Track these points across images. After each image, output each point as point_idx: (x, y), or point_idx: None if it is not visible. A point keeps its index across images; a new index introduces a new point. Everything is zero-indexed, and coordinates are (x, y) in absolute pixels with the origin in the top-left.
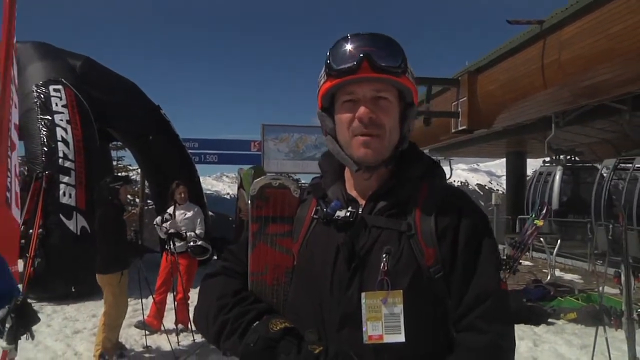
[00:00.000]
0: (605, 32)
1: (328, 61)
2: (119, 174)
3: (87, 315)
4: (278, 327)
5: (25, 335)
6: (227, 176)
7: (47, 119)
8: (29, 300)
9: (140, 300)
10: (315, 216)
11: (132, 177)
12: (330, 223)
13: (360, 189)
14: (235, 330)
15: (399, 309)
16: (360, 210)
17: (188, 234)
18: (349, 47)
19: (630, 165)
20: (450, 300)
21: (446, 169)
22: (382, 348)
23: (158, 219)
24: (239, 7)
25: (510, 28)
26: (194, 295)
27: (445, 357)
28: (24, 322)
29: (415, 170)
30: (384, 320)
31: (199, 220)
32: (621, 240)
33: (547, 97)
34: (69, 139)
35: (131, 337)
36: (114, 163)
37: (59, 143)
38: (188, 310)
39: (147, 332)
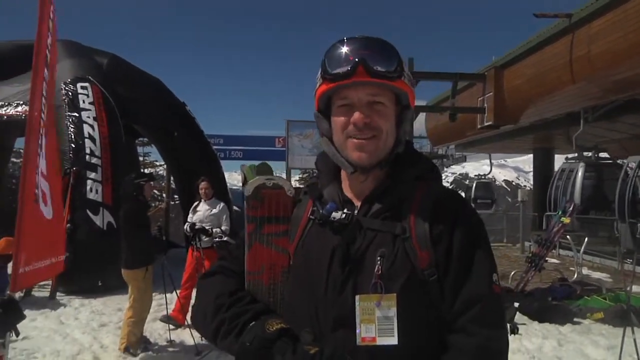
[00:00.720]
0: (635, 25)
1: (324, 65)
2: (145, 171)
3: (113, 309)
4: (274, 328)
5: (9, 333)
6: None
7: (75, 116)
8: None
9: (164, 295)
10: (311, 217)
11: (158, 173)
12: (326, 224)
13: (356, 191)
14: (232, 329)
15: (393, 312)
16: (356, 212)
17: (214, 229)
18: (344, 50)
19: None
20: (443, 304)
21: (486, 163)
22: (375, 350)
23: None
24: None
25: (538, 22)
26: None
27: (437, 359)
28: (11, 318)
29: (410, 172)
30: (377, 323)
31: (224, 216)
32: None
33: (575, 92)
34: (96, 135)
35: (155, 331)
36: (141, 159)
37: (86, 140)
38: None
39: (170, 327)
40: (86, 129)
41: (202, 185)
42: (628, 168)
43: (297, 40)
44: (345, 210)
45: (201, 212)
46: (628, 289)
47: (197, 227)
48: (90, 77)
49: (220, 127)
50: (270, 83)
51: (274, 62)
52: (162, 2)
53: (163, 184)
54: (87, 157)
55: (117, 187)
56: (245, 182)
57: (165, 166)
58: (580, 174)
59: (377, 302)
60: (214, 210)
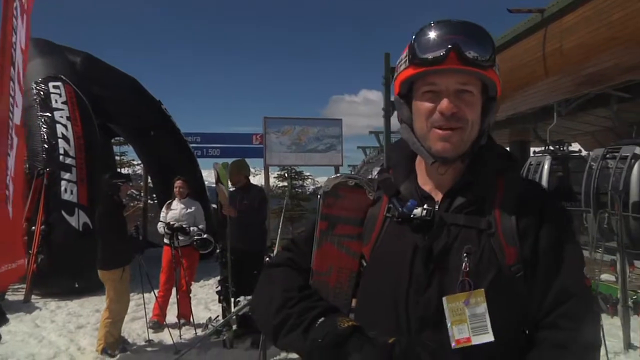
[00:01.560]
0: (606, 19)
1: (413, 48)
2: (121, 170)
3: (91, 311)
4: (346, 325)
5: None
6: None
7: (47, 116)
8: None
9: (142, 295)
10: (388, 215)
11: (135, 172)
12: (405, 222)
13: (434, 184)
14: (299, 324)
15: (483, 308)
16: (436, 207)
17: (191, 228)
18: (436, 34)
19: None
20: (530, 301)
21: None
22: (469, 351)
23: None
24: None
25: (512, 17)
26: (196, 289)
27: (524, 356)
28: None
29: (492, 165)
30: (469, 322)
31: (200, 215)
32: (616, 229)
33: (549, 86)
34: (70, 135)
35: (134, 331)
36: (117, 158)
37: (59, 140)
38: (190, 304)
39: (150, 326)
40: (59, 129)
41: (177, 184)
42: (591, 162)
43: (274, 37)
44: (425, 206)
45: (176, 210)
46: (596, 277)
47: (175, 226)
48: (62, 76)
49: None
50: (248, 80)
51: (251, 59)
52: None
53: (140, 183)
54: (61, 157)
55: (93, 188)
56: (218, 180)
57: (142, 165)
58: (546, 166)
59: (466, 300)
60: (190, 209)
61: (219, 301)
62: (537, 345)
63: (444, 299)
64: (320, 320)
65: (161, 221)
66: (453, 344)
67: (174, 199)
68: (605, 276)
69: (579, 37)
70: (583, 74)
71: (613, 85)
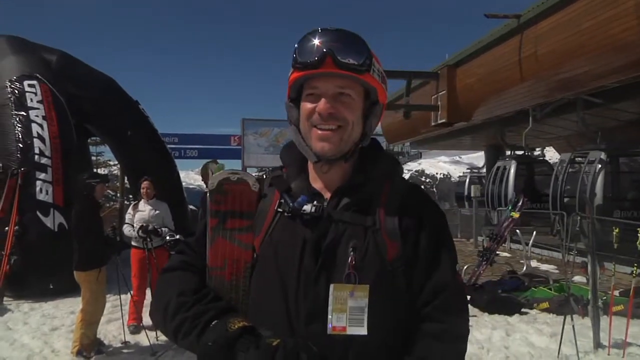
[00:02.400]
0: (578, 27)
1: (294, 53)
2: (98, 170)
3: (66, 312)
4: (236, 326)
5: None
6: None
7: (22, 115)
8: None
9: (118, 296)
10: (279, 209)
11: (112, 172)
12: (295, 217)
13: (323, 183)
14: (193, 329)
15: (364, 302)
16: (325, 204)
17: (162, 229)
18: (314, 41)
19: (584, 159)
20: (411, 293)
21: (442, 160)
22: (345, 340)
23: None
24: None
25: (489, 22)
26: None
27: (405, 348)
28: None
29: (380, 168)
30: (348, 312)
31: (168, 216)
32: (587, 231)
33: (524, 91)
34: (45, 135)
35: (110, 332)
36: (94, 158)
37: (34, 139)
38: None
39: (130, 331)
40: (35, 128)
41: (145, 184)
42: (559, 167)
43: (253, 38)
44: (315, 203)
45: (145, 212)
46: (568, 278)
47: (149, 228)
48: (38, 75)
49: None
50: (226, 81)
51: (229, 60)
52: None
53: (117, 183)
54: (37, 157)
55: (69, 188)
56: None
57: (118, 166)
58: (512, 170)
59: (351, 292)
60: (158, 211)
61: None
62: (414, 336)
63: (331, 285)
64: (213, 323)
65: (127, 223)
66: (330, 329)
67: (140, 200)
68: (577, 278)
69: (553, 43)
70: (556, 79)
71: (586, 91)
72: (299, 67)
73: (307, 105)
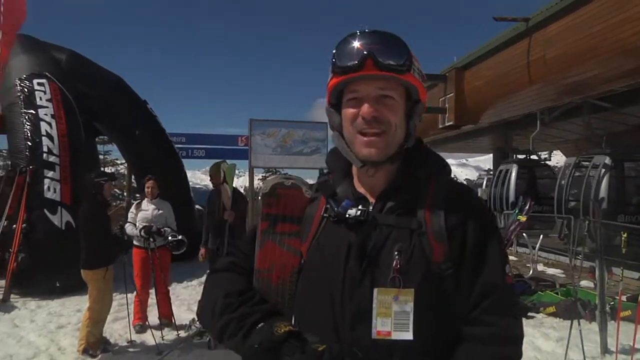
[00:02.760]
0: (588, 30)
1: (333, 58)
2: (105, 169)
3: (72, 310)
4: (282, 330)
5: None
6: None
7: (31, 113)
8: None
9: (125, 295)
10: (325, 215)
11: (119, 171)
12: (341, 222)
13: (368, 186)
14: (240, 329)
15: (410, 307)
16: (371, 208)
17: (165, 229)
18: (353, 44)
19: (589, 163)
20: (459, 297)
21: (448, 162)
22: (390, 345)
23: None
24: None
25: (497, 25)
26: (179, 290)
27: (452, 353)
28: None
29: (424, 169)
30: (393, 317)
31: (171, 216)
32: (596, 236)
33: (533, 94)
34: (54, 133)
35: (116, 331)
36: (101, 157)
37: (43, 138)
38: (170, 305)
39: (136, 330)
40: (43, 127)
41: (149, 184)
42: (565, 171)
43: (261, 39)
44: (360, 207)
45: (148, 211)
46: (576, 283)
47: (153, 229)
48: (47, 74)
49: (183, 125)
50: (234, 82)
51: (237, 60)
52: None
53: (124, 182)
54: (45, 155)
55: (77, 186)
56: (224, 180)
57: (126, 165)
58: (513, 173)
59: (395, 296)
60: (161, 210)
61: None
62: (463, 341)
63: (375, 290)
64: (259, 326)
65: (130, 222)
66: (374, 334)
67: (143, 199)
68: (584, 282)
69: (562, 46)
70: (565, 83)
71: (594, 95)
72: (338, 71)
73: (349, 111)
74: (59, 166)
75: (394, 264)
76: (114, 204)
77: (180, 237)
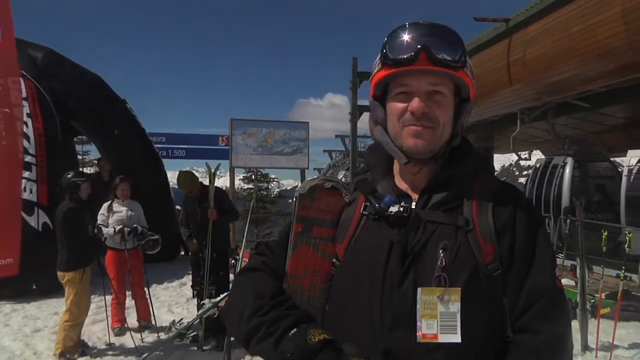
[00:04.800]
0: (567, 31)
1: (384, 50)
2: (84, 170)
3: (49, 313)
4: (317, 338)
5: None
6: (197, 170)
7: (5, 112)
8: None
9: (103, 297)
10: (364, 212)
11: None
12: (381, 219)
13: (410, 183)
14: (271, 334)
15: (456, 307)
16: (413, 204)
17: (143, 229)
18: (407, 36)
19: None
20: (507, 300)
21: None
22: (435, 348)
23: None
24: None
25: (478, 25)
26: (159, 291)
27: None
28: None
29: (469, 164)
30: (439, 318)
31: (142, 216)
32: (576, 235)
33: (513, 94)
34: (30, 133)
35: (94, 334)
36: (80, 157)
37: (18, 137)
38: (149, 307)
39: (115, 333)
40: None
41: (123, 186)
42: (536, 170)
43: (242, 37)
44: (402, 203)
45: (122, 213)
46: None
47: (139, 231)
48: (23, 72)
49: (163, 125)
50: (215, 81)
51: (218, 59)
52: None
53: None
54: (20, 155)
55: (54, 187)
56: (212, 179)
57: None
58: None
59: (440, 295)
60: (134, 211)
61: (197, 301)
62: (512, 350)
63: (419, 289)
64: (291, 332)
65: (101, 224)
66: (419, 337)
67: (113, 201)
68: (565, 281)
69: (542, 47)
70: (545, 83)
71: (573, 95)
72: (389, 63)
73: (398, 105)
74: (35, 166)
75: (439, 262)
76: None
77: (156, 236)
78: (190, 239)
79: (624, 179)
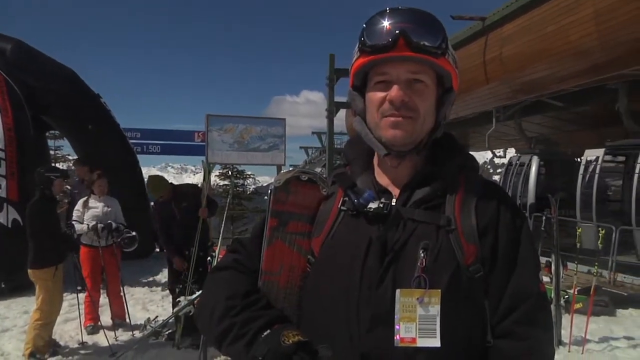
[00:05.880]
0: (541, 31)
1: (362, 37)
2: (56, 165)
3: (18, 312)
4: (291, 340)
5: None
6: (172, 166)
7: None
8: None
9: (76, 295)
10: (343, 208)
11: (71, 168)
12: (359, 215)
13: (391, 178)
14: (242, 336)
15: (436, 310)
16: (394, 201)
17: (119, 225)
18: (385, 22)
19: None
20: (488, 303)
21: None
22: (414, 352)
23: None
24: None
25: (455, 23)
26: (133, 288)
27: None
28: None
29: (453, 162)
30: (418, 321)
31: (120, 213)
32: (552, 231)
33: (489, 92)
34: None
35: (66, 333)
36: (52, 153)
37: None
38: (124, 304)
39: (89, 332)
40: None
41: (100, 181)
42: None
43: (217, 34)
44: (382, 200)
45: (98, 209)
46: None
47: (114, 226)
48: None
49: (138, 121)
50: (191, 77)
51: (194, 55)
52: None
53: (76, 179)
54: None
55: (24, 182)
56: (207, 177)
57: None
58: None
59: (420, 298)
60: (111, 207)
61: (172, 299)
62: (493, 356)
63: (397, 291)
64: (264, 333)
65: (76, 220)
66: (397, 341)
67: (89, 197)
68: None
69: (517, 45)
70: (520, 82)
71: (547, 94)
72: (367, 50)
73: (376, 94)
74: (4, 161)
75: (419, 263)
76: (66, 200)
77: (133, 233)
78: (176, 258)
79: (580, 177)
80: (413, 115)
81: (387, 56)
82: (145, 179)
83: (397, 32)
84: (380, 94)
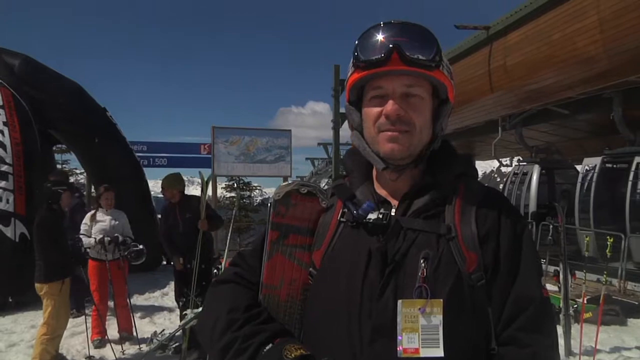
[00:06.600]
0: (547, 39)
1: (355, 52)
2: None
3: (26, 327)
4: (293, 355)
5: None
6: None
7: None
8: None
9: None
10: (342, 219)
11: (79, 181)
12: (359, 226)
13: (390, 190)
14: (244, 350)
15: (438, 319)
16: (393, 211)
17: (126, 239)
18: (378, 36)
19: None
20: (491, 311)
21: None
22: None
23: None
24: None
25: (459, 33)
26: (140, 301)
27: None
28: None
29: (452, 169)
30: (421, 332)
31: (128, 226)
32: (559, 240)
33: (494, 101)
34: (6, 141)
35: (73, 347)
36: (59, 167)
37: None
38: (131, 318)
39: (95, 346)
40: None
41: (107, 195)
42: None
43: (223, 45)
44: (381, 210)
45: (105, 222)
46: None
47: (120, 240)
48: None
49: (144, 134)
50: (197, 89)
51: (199, 67)
52: (81, 6)
53: (84, 192)
54: None
55: (32, 197)
56: (204, 188)
57: (85, 174)
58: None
59: (422, 308)
60: (118, 221)
61: (180, 311)
62: None
63: (399, 302)
64: (266, 348)
65: (83, 234)
66: (400, 351)
67: (97, 210)
68: (548, 286)
69: (522, 54)
70: (525, 90)
71: (553, 102)
72: (361, 66)
73: (372, 110)
74: (12, 175)
75: (420, 272)
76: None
77: (140, 246)
78: (176, 257)
79: (578, 185)
80: (409, 129)
81: (381, 71)
82: (153, 192)
83: (390, 46)
84: (376, 109)
